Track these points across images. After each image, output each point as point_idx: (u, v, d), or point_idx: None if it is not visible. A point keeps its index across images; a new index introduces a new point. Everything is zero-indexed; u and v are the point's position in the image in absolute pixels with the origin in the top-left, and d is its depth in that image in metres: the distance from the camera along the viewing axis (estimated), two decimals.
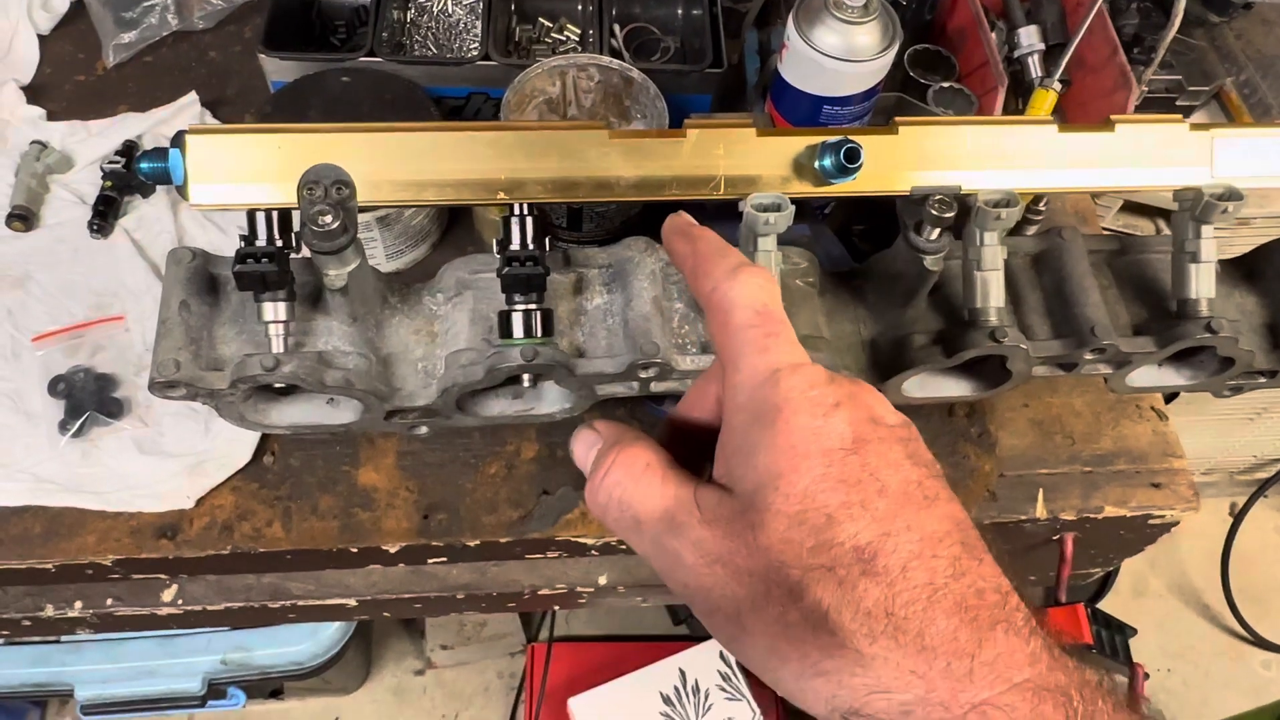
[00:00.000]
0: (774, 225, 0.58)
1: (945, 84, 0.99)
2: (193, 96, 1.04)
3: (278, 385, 0.62)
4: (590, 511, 0.51)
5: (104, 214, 0.96)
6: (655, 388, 0.65)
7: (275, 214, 0.57)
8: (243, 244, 0.56)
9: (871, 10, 0.79)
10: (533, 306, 0.58)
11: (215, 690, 1.46)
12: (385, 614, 1.04)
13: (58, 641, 1.43)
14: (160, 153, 0.56)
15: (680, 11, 1.12)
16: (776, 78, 0.87)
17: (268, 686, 1.56)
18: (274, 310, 0.57)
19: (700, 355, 0.65)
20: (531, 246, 0.58)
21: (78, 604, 0.96)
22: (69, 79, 1.08)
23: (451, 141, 0.58)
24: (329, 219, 0.54)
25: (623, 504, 0.45)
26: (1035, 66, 1.01)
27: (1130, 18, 1.11)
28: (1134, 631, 1.08)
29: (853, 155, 0.59)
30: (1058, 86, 0.93)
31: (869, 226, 0.95)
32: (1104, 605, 2.05)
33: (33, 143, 0.99)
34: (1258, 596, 2.15)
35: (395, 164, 0.58)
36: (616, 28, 1.09)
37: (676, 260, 0.52)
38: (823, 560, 0.39)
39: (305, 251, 0.58)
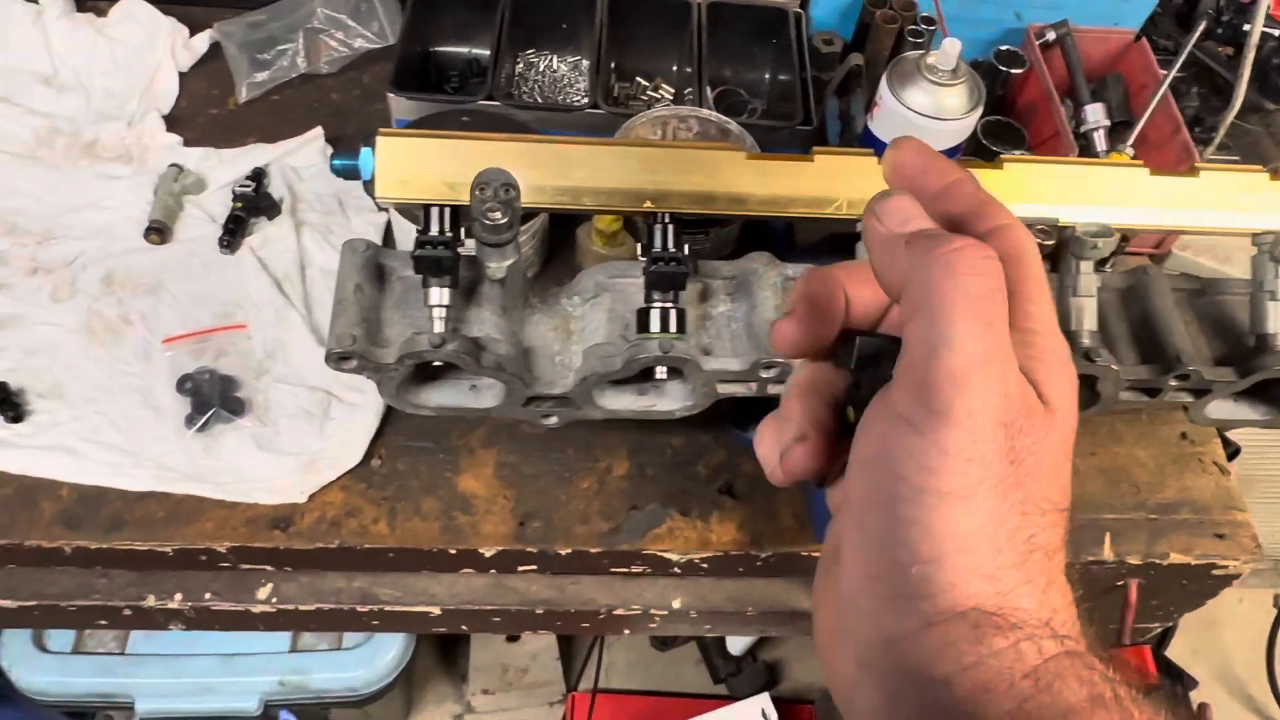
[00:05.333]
0: (1100, 250, 0.64)
1: (1016, 153, 1.06)
2: (318, 131, 1.12)
3: (432, 367, 0.67)
4: None
5: (233, 232, 1.03)
6: (771, 390, 0.70)
7: (447, 210, 0.64)
8: (420, 234, 0.62)
9: (959, 74, 0.86)
10: (670, 304, 0.64)
11: (269, 714, 1.49)
12: (464, 626, 1.07)
13: (123, 654, 1.46)
14: (352, 151, 0.63)
15: (768, 76, 1.20)
16: (866, 134, 0.94)
17: (317, 713, 1.58)
18: (439, 295, 0.63)
19: None
20: (673, 250, 0.64)
21: (178, 596, 1.00)
22: (204, 112, 1.17)
23: (606, 155, 0.65)
24: (498, 215, 0.61)
25: None
26: (1101, 141, 1.08)
27: (1191, 100, 1.18)
28: (1195, 683, 1.08)
29: None
30: (1130, 151, 1.00)
31: None
32: None
33: (170, 165, 1.07)
34: None
35: (556, 172, 0.65)
36: (708, 89, 1.17)
37: (912, 183, 0.39)
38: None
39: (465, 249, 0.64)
